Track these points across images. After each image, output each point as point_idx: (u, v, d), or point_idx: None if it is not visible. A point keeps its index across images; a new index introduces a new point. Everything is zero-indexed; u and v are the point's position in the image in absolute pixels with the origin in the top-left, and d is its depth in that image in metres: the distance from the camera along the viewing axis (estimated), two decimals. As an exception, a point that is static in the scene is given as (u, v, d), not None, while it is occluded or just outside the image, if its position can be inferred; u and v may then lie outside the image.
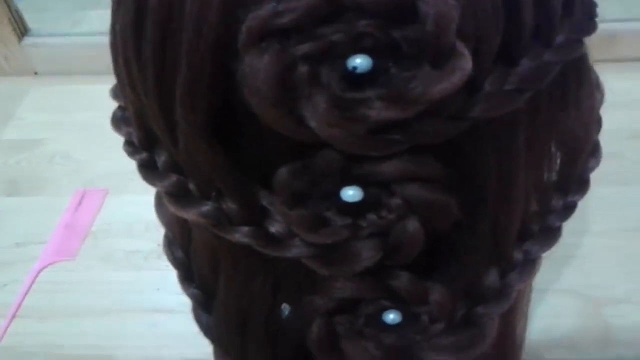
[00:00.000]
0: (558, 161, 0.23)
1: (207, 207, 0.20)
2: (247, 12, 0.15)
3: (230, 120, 0.18)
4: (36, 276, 0.48)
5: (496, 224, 0.21)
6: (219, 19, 0.16)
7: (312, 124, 0.16)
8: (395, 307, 0.20)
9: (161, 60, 0.18)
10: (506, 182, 0.20)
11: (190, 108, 0.18)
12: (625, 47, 0.62)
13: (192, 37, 0.17)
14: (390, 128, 0.16)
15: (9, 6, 0.66)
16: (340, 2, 0.15)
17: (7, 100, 0.67)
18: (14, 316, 0.45)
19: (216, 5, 0.16)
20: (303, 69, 0.15)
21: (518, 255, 0.22)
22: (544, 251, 0.23)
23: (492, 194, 0.20)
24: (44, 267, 0.49)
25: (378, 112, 0.15)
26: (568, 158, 0.23)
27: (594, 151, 0.24)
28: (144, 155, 0.22)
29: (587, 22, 0.20)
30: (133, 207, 0.51)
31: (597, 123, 0.24)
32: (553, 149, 0.22)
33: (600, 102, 0.24)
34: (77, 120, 0.62)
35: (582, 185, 0.24)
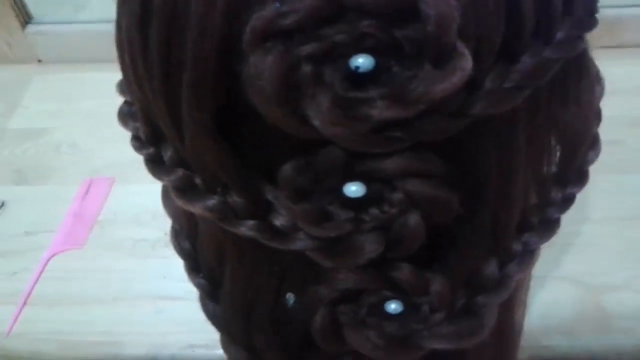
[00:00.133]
0: (557, 154, 0.23)
1: (213, 201, 0.20)
2: (251, 12, 0.16)
3: (235, 117, 0.18)
4: (45, 264, 0.49)
5: (496, 217, 0.21)
6: (223, 20, 0.16)
7: (316, 122, 0.16)
8: (396, 297, 0.21)
9: (167, 59, 0.18)
10: (506, 176, 0.20)
11: (196, 106, 0.18)
12: (627, 33, 0.62)
13: (197, 37, 0.17)
14: (392, 126, 0.16)
15: (11, -7, 0.66)
16: (342, 3, 0.15)
17: (11, 88, 0.67)
18: (24, 304, 0.46)
19: (220, 5, 0.16)
20: (306, 68, 0.16)
21: (517, 247, 0.23)
22: (542, 242, 0.23)
23: (493, 189, 0.20)
24: (52, 256, 0.49)
25: (380, 111, 0.16)
26: (567, 151, 0.23)
27: (593, 144, 0.25)
28: (151, 150, 0.22)
29: (588, 18, 0.20)
30: (139, 195, 0.52)
31: (597, 116, 0.25)
32: (553, 142, 0.22)
33: (601, 95, 0.24)
34: (82, 109, 0.63)
35: (581, 178, 0.24)
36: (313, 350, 0.24)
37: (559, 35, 0.19)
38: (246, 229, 0.20)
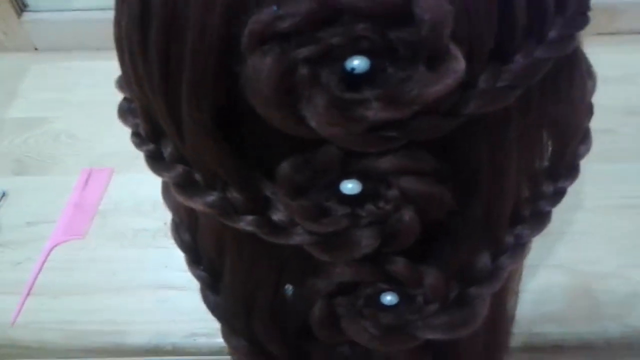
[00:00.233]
0: (549, 149, 0.23)
1: (212, 197, 0.21)
2: (249, 15, 0.16)
3: (234, 116, 0.19)
4: (48, 255, 0.49)
5: (489, 211, 0.21)
6: (222, 21, 0.17)
7: (313, 123, 0.16)
8: (392, 289, 0.21)
9: (166, 60, 0.18)
10: (498, 172, 0.21)
11: (195, 106, 0.18)
12: (622, 20, 0.62)
13: (196, 40, 0.17)
14: (387, 126, 0.17)
15: (6, -19, 0.66)
16: (337, 7, 0.15)
17: (9, 77, 0.67)
18: (28, 294, 0.47)
19: (219, 8, 0.17)
20: (303, 70, 0.16)
21: (509, 239, 0.23)
22: (534, 235, 0.24)
23: (485, 184, 0.21)
24: (55, 246, 0.50)
25: (375, 112, 0.16)
26: (559, 146, 0.24)
27: (585, 138, 0.25)
28: (151, 146, 0.22)
29: (580, 17, 0.20)
30: (139, 185, 0.52)
31: (588, 111, 0.25)
32: (544, 137, 0.23)
33: (592, 89, 0.24)
34: (80, 98, 0.63)
35: (572, 172, 0.25)
36: (311, 340, 0.24)
37: (551, 34, 0.19)
38: (245, 224, 0.20)
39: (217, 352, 0.43)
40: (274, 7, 0.16)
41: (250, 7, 0.16)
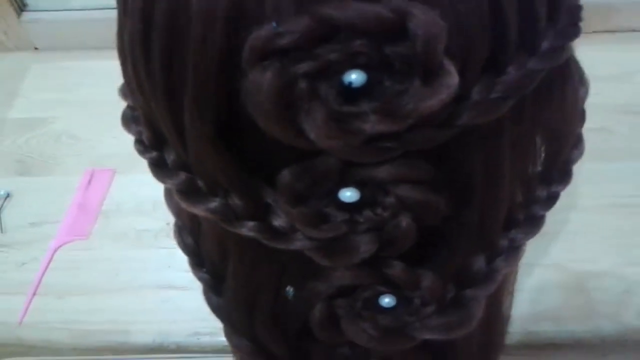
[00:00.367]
0: (542, 154, 0.24)
1: (215, 203, 0.21)
2: (249, 31, 0.16)
3: (235, 126, 0.19)
4: (52, 255, 0.50)
5: (483, 216, 0.22)
6: (222, 38, 0.17)
7: (312, 136, 0.17)
8: (390, 292, 0.22)
9: (169, 73, 0.19)
10: (492, 179, 0.21)
11: (198, 117, 0.19)
12: (619, 18, 0.61)
13: (197, 54, 0.18)
14: (384, 137, 0.17)
15: (5, -20, 0.66)
16: (335, 24, 0.16)
17: (9, 77, 0.67)
18: (34, 294, 0.47)
19: (220, 24, 0.17)
20: (302, 85, 0.16)
21: (504, 243, 0.24)
22: (528, 238, 0.24)
23: (479, 190, 0.21)
24: (59, 247, 0.50)
25: (372, 125, 0.17)
26: (552, 151, 0.24)
27: (577, 143, 0.25)
28: (154, 154, 0.23)
29: (572, 28, 0.20)
30: (140, 186, 0.53)
31: (581, 117, 0.25)
32: (537, 143, 0.23)
33: (585, 95, 0.25)
34: (81, 98, 0.63)
35: (565, 176, 0.25)
36: (312, 341, 0.25)
37: (544, 45, 0.19)
38: (247, 229, 0.21)
39: (220, 350, 0.44)
40: (274, 24, 0.16)
41: (250, 24, 0.17)
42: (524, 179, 0.24)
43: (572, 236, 0.46)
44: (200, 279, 0.28)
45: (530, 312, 0.42)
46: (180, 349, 0.44)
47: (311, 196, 0.20)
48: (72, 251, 0.50)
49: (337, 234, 0.20)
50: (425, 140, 0.18)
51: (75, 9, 0.69)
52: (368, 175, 0.19)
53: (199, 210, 0.22)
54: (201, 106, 0.19)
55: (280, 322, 0.25)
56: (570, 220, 0.47)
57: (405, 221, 0.19)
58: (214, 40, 0.17)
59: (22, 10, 0.69)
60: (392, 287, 0.22)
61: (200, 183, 0.21)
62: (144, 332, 0.45)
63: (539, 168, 0.24)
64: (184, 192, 0.22)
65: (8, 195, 0.55)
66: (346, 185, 0.19)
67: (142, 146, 0.24)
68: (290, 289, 0.24)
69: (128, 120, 0.25)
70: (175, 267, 0.48)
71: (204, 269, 0.27)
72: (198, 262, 0.27)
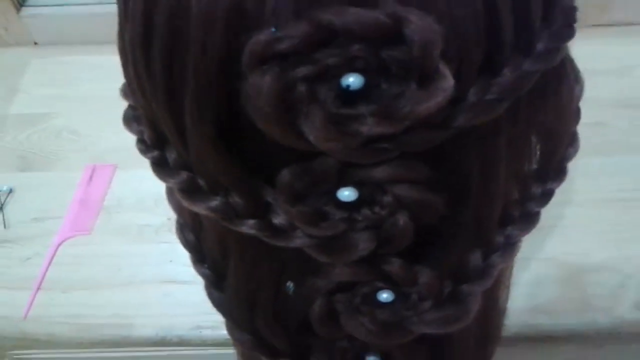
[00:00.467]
0: (537, 152, 0.24)
1: (215, 202, 0.21)
2: (249, 36, 0.17)
3: (236, 127, 0.19)
4: (55, 250, 0.50)
5: (479, 213, 0.22)
6: (222, 42, 0.17)
7: (311, 138, 0.17)
8: (388, 287, 0.23)
9: (170, 76, 0.19)
10: (488, 178, 0.22)
11: (198, 118, 0.19)
12: (617, 11, 0.61)
13: (198, 58, 0.18)
14: (381, 139, 0.18)
15: (5, -24, 0.66)
16: (333, 29, 0.16)
17: (9, 72, 0.67)
18: (38, 289, 0.48)
19: (220, 28, 0.17)
20: (301, 88, 0.17)
21: (500, 239, 0.24)
22: (524, 235, 0.25)
23: (475, 189, 0.21)
24: (62, 242, 0.51)
25: (370, 127, 0.17)
26: (547, 149, 0.24)
27: (572, 141, 0.26)
28: (156, 153, 0.23)
29: (566, 29, 0.20)
30: (141, 181, 0.53)
31: (576, 115, 0.26)
32: (533, 142, 0.24)
33: (580, 94, 0.25)
34: (81, 93, 0.63)
35: (560, 174, 0.26)
36: (312, 335, 0.25)
37: (538, 47, 0.19)
38: (247, 227, 0.21)
39: (222, 344, 0.44)
40: (273, 29, 0.17)
41: (249, 28, 0.17)
42: (519, 177, 0.24)
43: (568, 230, 0.47)
44: (202, 275, 0.28)
45: (526, 305, 0.42)
46: (182, 343, 0.45)
47: (310, 195, 0.20)
48: (75, 246, 0.51)
49: (335, 232, 0.20)
50: (422, 141, 0.18)
51: (74, 4, 0.69)
52: (366, 176, 0.19)
53: (200, 209, 0.22)
54: (202, 107, 0.19)
55: (281, 318, 0.26)
56: (566, 214, 0.47)
57: (402, 219, 0.20)
58: (213, 44, 0.18)
59: (21, 5, 0.69)
60: (390, 283, 0.22)
61: (201, 182, 0.22)
62: (146, 326, 0.45)
63: (535, 166, 0.25)
64: (186, 191, 0.22)
65: (11, 191, 0.55)
66: (344, 185, 0.20)
67: (144, 145, 0.24)
68: (290, 285, 0.25)
69: (130, 119, 0.25)
70: (176, 261, 0.48)
71: (206, 265, 0.27)
72: (199, 258, 0.28)
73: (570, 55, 0.24)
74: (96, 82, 0.60)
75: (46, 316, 0.46)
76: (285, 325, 0.26)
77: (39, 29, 0.70)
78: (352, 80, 0.17)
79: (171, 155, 0.22)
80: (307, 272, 0.23)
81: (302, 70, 0.17)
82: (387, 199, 0.20)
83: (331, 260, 0.22)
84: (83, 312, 0.46)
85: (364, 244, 0.20)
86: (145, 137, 0.24)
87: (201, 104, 0.19)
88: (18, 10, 0.69)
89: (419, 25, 0.16)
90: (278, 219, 0.21)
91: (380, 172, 0.19)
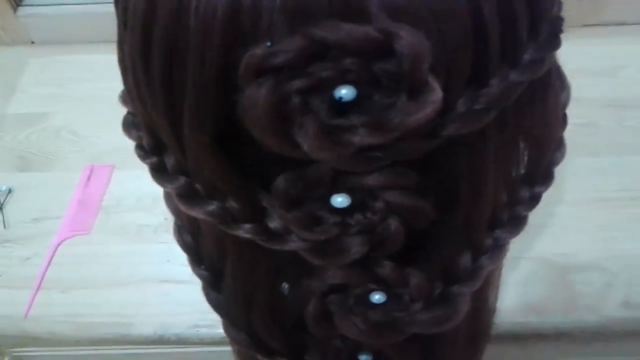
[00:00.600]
0: (525, 157, 0.25)
1: (213, 206, 0.22)
2: (245, 50, 0.17)
3: (233, 136, 0.20)
4: (55, 250, 0.51)
5: (468, 217, 0.23)
6: (220, 55, 0.18)
7: (305, 147, 0.18)
8: (380, 289, 0.23)
9: (168, 87, 0.20)
10: (477, 184, 0.22)
11: (196, 128, 0.20)
12: (609, 11, 0.59)
13: (196, 72, 0.19)
14: (373, 148, 0.18)
15: (1, -25, 0.66)
16: (326, 43, 0.17)
17: (7, 71, 0.67)
18: (38, 288, 0.48)
19: (217, 42, 0.18)
20: (296, 100, 0.17)
21: (489, 242, 0.25)
22: (512, 237, 0.25)
23: (464, 194, 0.22)
24: (61, 242, 0.51)
25: (361, 138, 0.18)
26: (535, 154, 0.25)
27: (559, 146, 0.26)
28: (154, 159, 0.24)
29: (553, 39, 0.21)
30: (140, 182, 0.53)
31: (562, 121, 0.26)
32: (520, 147, 0.24)
33: (567, 100, 0.26)
34: (79, 93, 0.63)
35: (547, 178, 0.26)
36: (307, 334, 0.26)
37: (525, 58, 0.20)
38: (243, 231, 0.22)
39: (218, 342, 0.45)
40: (268, 43, 0.17)
41: (246, 43, 0.17)
42: (507, 182, 0.25)
43: (556, 230, 0.47)
44: (199, 276, 0.28)
45: (516, 304, 0.43)
46: (180, 341, 0.46)
47: (305, 201, 0.21)
48: (74, 246, 0.51)
49: (329, 236, 0.21)
50: (412, 150, 0.19)
51: (71, 3, 0.70)
52: (358, 183, 0.20)
53: (197, 213, 0.23)
54: (200, 117, 0.20)
55: (277, 317, 0.26)
56: (555, 214, 0.47)
57: (394, 224, 0.21)
58: (211, 57, 0.18)
59: (18, 5, 0.70)
60: (382, 285, 0.23)
61: (198, 187, 0.22)
62: (145, 324, 0.46)
63: (523, 171, 0.25)
64: (183, 196, 0.23)
65: (10, 191, 0.56)
66: (338, 191, 0.20)
67: (143, 151, 0.25)
68: (286, 286, 0.26)
69: (129, 126, 0.26)
70: (174, 261, 0.48)
71: (203, 267, 0.28)
72: (197, 259, 0.28)
73: (557, 62, 0.24)
74: (94, 81, 0.60)
75: (46, 315, 0.47)
76: (280, 324, 0.26)
77: (36, 28, 0.70)
78: (345, 92, 0.18)
79: (169, 161, 0.23)
80: (302, 274, 0.24)
81: (297, 83, 0.17)
82: (379, 204, 0.20)
83: (325, 263, 0.22)
84: (82, 311, 0.47)
85: (356, 247, 0.21)
86: (144, 143, 0.24)
87: (199, 114, 0.20)
88: (15, 9, 0.69)
89: (409, 40, 0.17)
90: (274, 224, 0.22)
91: (372, 179, 0.20)
